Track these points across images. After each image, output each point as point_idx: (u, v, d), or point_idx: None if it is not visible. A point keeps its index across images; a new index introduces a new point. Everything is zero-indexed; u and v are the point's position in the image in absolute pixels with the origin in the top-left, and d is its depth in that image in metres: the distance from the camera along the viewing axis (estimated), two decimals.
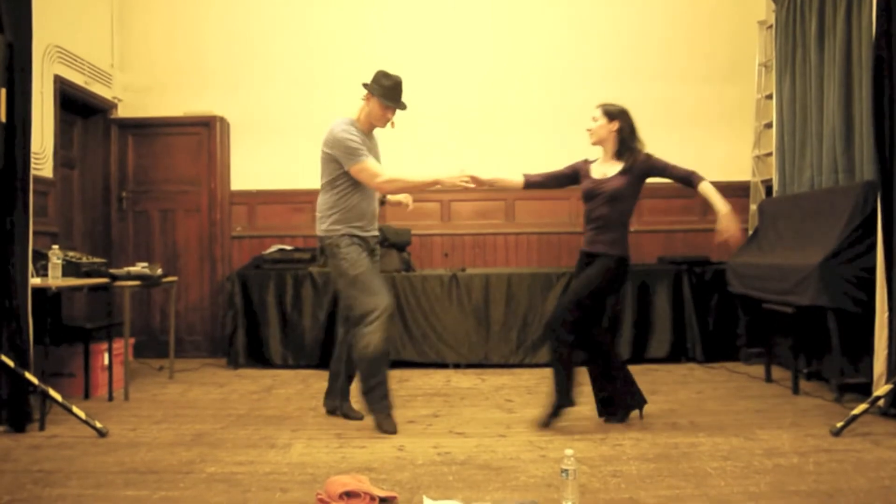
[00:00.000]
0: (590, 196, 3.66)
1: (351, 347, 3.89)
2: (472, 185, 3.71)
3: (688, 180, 3.58)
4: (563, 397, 3.58)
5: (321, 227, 3.77)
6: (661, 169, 3.62)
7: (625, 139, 3.62)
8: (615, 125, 3.62)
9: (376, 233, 3.91)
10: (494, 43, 6.24)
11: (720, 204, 3.47)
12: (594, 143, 3.72)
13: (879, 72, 3.73)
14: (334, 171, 3.71)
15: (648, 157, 3.62)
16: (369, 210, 3.82)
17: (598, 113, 3.66)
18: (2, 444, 3.39)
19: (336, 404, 3.94)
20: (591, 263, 3.63)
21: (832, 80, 4.78)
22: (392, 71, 3.81)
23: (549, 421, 3.60)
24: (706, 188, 3.54)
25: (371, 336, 3.57)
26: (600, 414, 3.75)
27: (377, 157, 3.88)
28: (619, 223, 3.61)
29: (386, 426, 3.59)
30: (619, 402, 3.72)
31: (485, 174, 3.74)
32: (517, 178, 3.85)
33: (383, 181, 3.65)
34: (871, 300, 3.82)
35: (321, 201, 3.80)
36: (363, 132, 3.79)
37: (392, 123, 3.83)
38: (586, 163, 3.77)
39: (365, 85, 3.78)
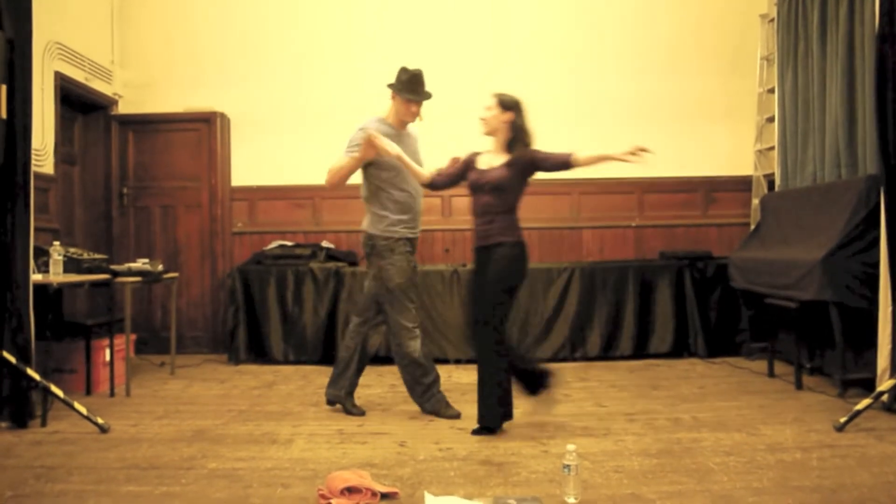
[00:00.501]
0: (474, 187, 3.57)
1: (366, 339, 3.94)
2: (378, 145, 3.59)
3: (566, 164, 3.45)
4: (508, 410, 3.55)
5: (377, 227, 3.81)
6: (542, 160, 3.50)
7: (516, 132, 3.52)
8: (508, 116, 3.51)
9: (419, 232, 3.99)
10: (495, 37, 6.21)
11: (606, 151, 3.36)
12: (485, 134, 3.60)
13: (882, 64, 3.71)
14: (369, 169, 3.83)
15: (534, 152, 3.51)
16: (416, 207, 3.89)
17: (493, 102, 3.55)
18: (4, 439, 3.39)
19: (340, 396, 3.93)
20: (489, 259, 3.52)
21: (835, 73, 4.76)
22: (387, 72, 3.82)
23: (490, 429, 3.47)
24: (584, 155, 3.43)
25: (413, 343, 3.83)
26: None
27: (414, 153, 3.87)
28: (506, 211, 3.51)
29: (450, 413, 3.83)
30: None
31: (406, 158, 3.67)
32: (425, 173, 3.72)
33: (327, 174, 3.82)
34: (875, 295, 3.81)
35: (369, 199, 3.87)
36: (394, 128, 3.85)
37: (420, 117, 3.89)
38: (475, 154, 3.67)
39: (389, 85, 3.84)
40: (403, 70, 3.85)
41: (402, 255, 3.80)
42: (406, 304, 3.82)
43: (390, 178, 3.81)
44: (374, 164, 3.79)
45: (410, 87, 3.81)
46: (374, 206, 3.84)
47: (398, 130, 3.88)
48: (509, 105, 3.53)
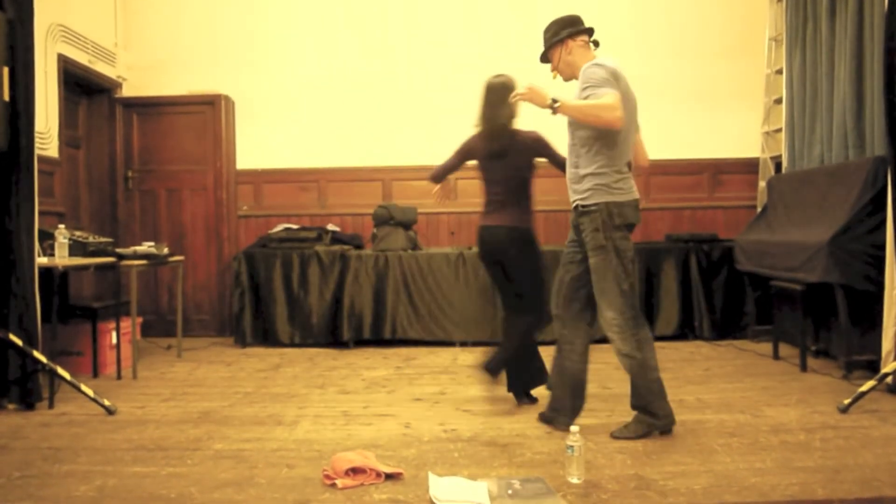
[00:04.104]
0: None
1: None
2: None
3: None
4: None
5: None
6: None
7: None
8: None
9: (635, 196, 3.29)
10: (498, 22, 6.15)
11: None
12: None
13: (892, 44, 3.66)
14: None
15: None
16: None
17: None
18: (12, 421, 3.42)
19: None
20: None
21: (843, 53, 4.71)
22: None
23: None
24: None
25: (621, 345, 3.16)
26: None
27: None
28: None
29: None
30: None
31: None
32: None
33: None
34: (881, 277, 3.79)
35: None
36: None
37: (554, 73, 3.63)
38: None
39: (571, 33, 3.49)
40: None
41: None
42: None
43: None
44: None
45: None
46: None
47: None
48: None
